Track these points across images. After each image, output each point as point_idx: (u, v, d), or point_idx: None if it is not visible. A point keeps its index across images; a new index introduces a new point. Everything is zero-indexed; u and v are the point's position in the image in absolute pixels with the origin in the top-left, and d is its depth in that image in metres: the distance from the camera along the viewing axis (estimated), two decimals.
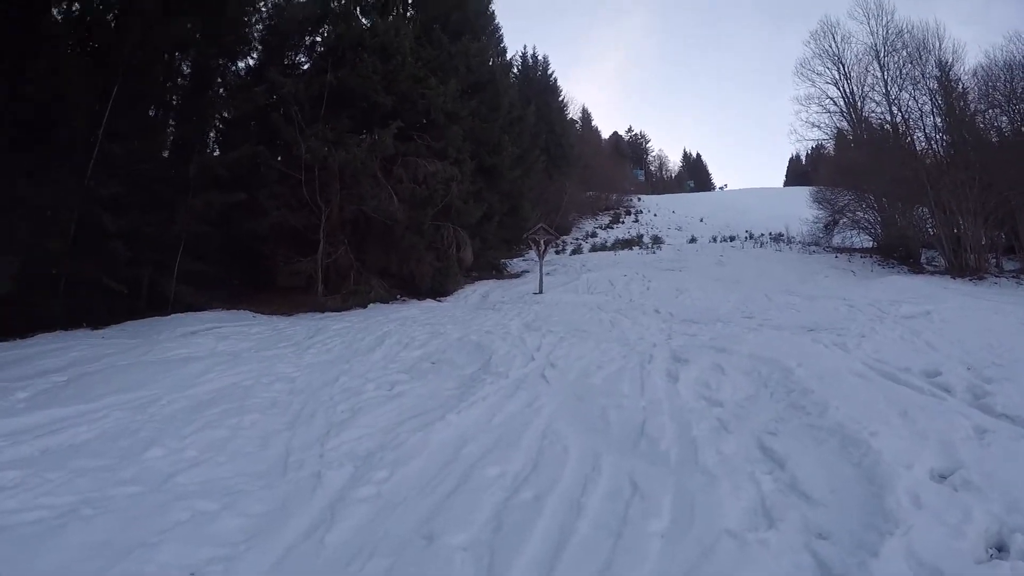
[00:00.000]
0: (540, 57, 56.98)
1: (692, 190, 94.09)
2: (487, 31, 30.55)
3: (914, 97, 25.14)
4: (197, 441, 5.96)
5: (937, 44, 24.96)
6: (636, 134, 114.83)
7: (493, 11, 32.89)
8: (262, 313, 16.21)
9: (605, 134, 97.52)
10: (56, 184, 12.89)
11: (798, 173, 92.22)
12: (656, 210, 57.95)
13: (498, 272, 27.35)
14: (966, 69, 24.73)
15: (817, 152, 55.54)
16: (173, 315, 14.34)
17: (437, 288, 20.86)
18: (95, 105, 13.68)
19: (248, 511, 4.40)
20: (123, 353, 10.22)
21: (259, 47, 19.86)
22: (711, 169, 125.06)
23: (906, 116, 25.54)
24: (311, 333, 12.84)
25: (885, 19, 28.15)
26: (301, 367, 9.59)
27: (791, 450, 5.11)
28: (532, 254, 29.50)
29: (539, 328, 12.56)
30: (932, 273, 22.13)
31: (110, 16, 15.13)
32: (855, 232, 29.77)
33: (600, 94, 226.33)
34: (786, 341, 10.04)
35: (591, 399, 7.15)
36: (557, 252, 35.00)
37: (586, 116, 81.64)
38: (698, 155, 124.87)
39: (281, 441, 6.05)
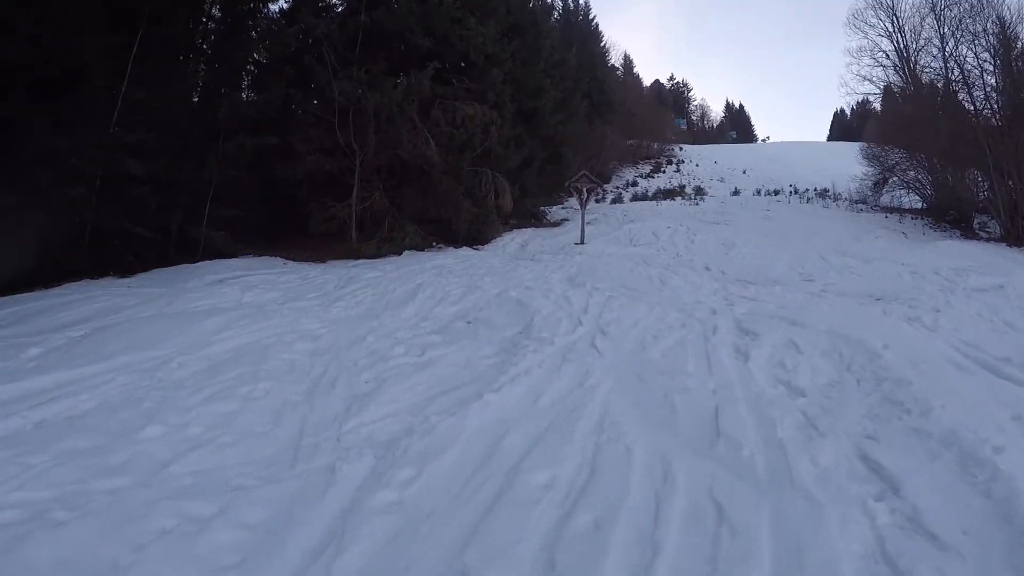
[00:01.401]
0: (581, 1, 55.95)
1: (734, 141, 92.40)
2: None
3: (975, 53, 23.56)
4: (203, 415, 5.31)
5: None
6: (678, 82, 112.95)
7: None
8: (293, 260, 15.77)
9: (647, 82, 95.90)
10: (81, 132, 12.38)
11: (843, 128, 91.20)
12: (698, 160, 56.73)
13: (537, 220, 26.54)
14: None
15: (863, 107, 54.29)
16: (202, 262, 13.92)
17: (474, 236, 20.18)
18: (120, 50, 13.07)
19: (246, 519, 3.67)
20: (145, 304, 9.73)
21: None
22: (753, 121, 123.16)
23: (966, 74, 23.97)
24: (342, 283, 12.28)
25: None
26: (327, 322, 8.94)
27: (901, 466, 4.26)
28: (572, 202, 29.04)
29: (583, 284, 11.77)
30: (987, 240, 21.03)
31: None
32: (904, 192, 28.73)
33: (642, 41, 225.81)
34: (859, 313, 9.19)
35: (651, 379, 6.30)
36: (597, 201, 34.07)
37: (628, 63, 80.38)
38: (741, 106, 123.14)
39: (295, 417, 5.35)
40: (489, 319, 9.13)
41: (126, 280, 12.35)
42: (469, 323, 8.97)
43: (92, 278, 12.25)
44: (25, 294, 10.75)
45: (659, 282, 12.41)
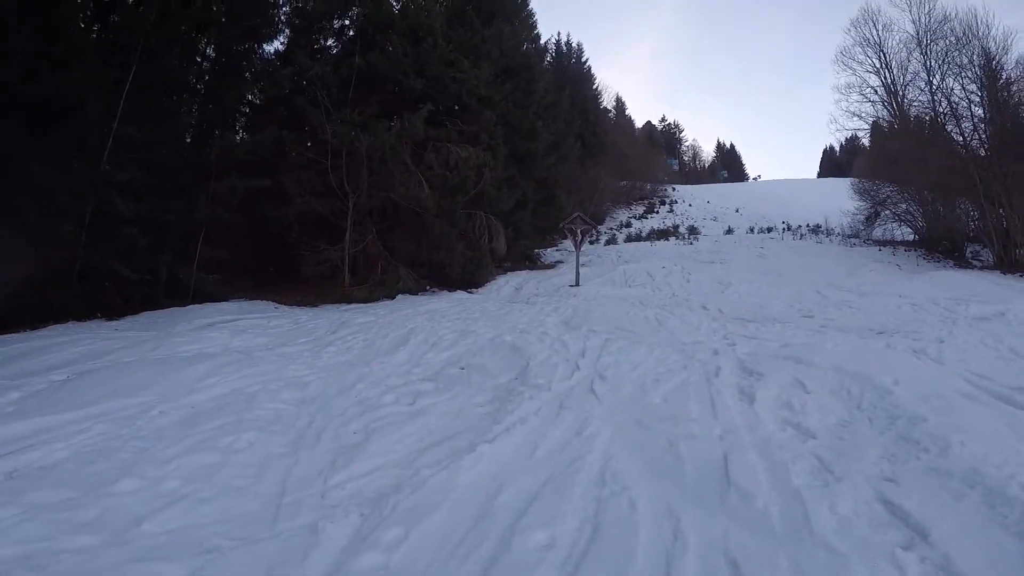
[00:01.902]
0: (574, 44, 57.13)
1: (726, 180, 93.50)
2: (520, 15, 29.49)
3: (962, 85, 23.93)
4: (181, 467, 5.04)
5: (987, 31, 23.73)
6: (669, 123, 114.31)
7: None
8: (285, 304, 15.66)
9: (639, 123, 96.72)
10: (71, 169, 12.38)
11: (833, 164, 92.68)
12: (691, 200, 57.04)
13: (531, 263, 26.42)
14: (1011, 59, 23.55)
15: (852, 143, 54.92)
16: (192, 306, 13.84)
17: (468, 279, 19.98)
18: (112, 88, 13.04)
19: None
20: (131, 348, 9.55)
21: (286, 30, 19.35)
22: (745, 159, 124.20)
23: (953, 106, 24.29)
24: (333, 327, 12.06)
25: (928, 5, 26.81)
26: (316, 369, 8.69)
27: (926, 510, 3.96)
28: (566, 244, 29.05)
29: (579, 327, 11.47)
30: (980, 268, 21.24)
31: None
32: (896, 224, 29.07)
33: (633, 83, 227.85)
34: (863, 348, 8.91)
35: (653, 425, 5.95)
36: (591, 242, 34.08)
37: (620, 105, 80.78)
38: (732, 145, 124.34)
39: (279, 471, 5.07)
40: (483, 365, 8.83)
41: (114, 323, 12.30)
42: (462, 369, 8.69)
43: (79, 319, 12.22)
44: (11, 335, 10.64)
45: (656, 323, 12.15)
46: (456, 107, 20.90)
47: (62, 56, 11.99)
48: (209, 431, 5.91)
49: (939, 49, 25.32)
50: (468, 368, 8.71)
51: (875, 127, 33.84)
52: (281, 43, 19.33)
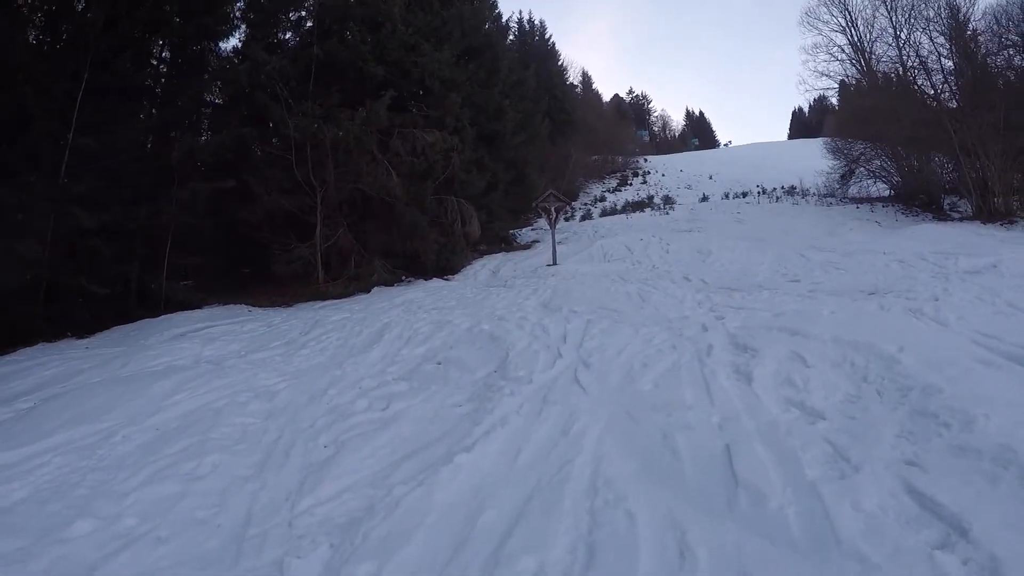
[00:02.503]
0: (537, 22, 56.50)
1: (697, 148, 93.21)
2: None
3: (931, 38, 24.00)
4: (140, 501, 4.71)
5: None
6: (637, 95, 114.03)
7: None
8: (259, 306, 15.28)
9: (606, 97, 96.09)
10: (27, 185, 11.98)
11: (803, 125, 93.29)
12: (664, 170, 56.62)
13: (507, 244, 26.07)
14: (978, 10, 23.56)
15: (821, 103, 54.93)
16: (164, 316, 13.45)
17: (443, 265, 19.66)
18: (65, 98, 12.69)
19: None
20: (100, 367, 9.29)
21: (242, 25, 18.78)
22: (714, 126, 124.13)
23: (923, 59, 24.37)
24: (307, 328, 11.71)
25: None
26: (287, 375, 8.35)
27: (960, 499, 3.58)
28: (541, 223, 28.73)
29: (559, 308, 11.11)
30: (959, 220, 21.20)
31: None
32: (872, 181, 29.30)
33: (598, 57, 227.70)
34: (859, 313, 8.62)
35: (645, 417, 5.58)
36: (567, 219, 33.74)
37: (586, 80, 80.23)
38: (701, 113, 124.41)
39: (243, 498, 4.73)
40: (460, 358, 8.49)
41: (84, 341, 12.02)
42: (439, 364, 8.37)
43: (48, 340, 11.89)
44: None
45: (639, 299, 11.84)
46: (420, 92, 20.54)
47: (10, 73, 11.65)
48: (172, 456, 5.59)
49: (904, 4, 25.25)
50: (445, 363, 8.39)
51: (843, 86, 33.91)
52: (238, 39, 18.82)
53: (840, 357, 6.46)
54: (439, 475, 4.72)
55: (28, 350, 11.16)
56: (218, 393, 7.47)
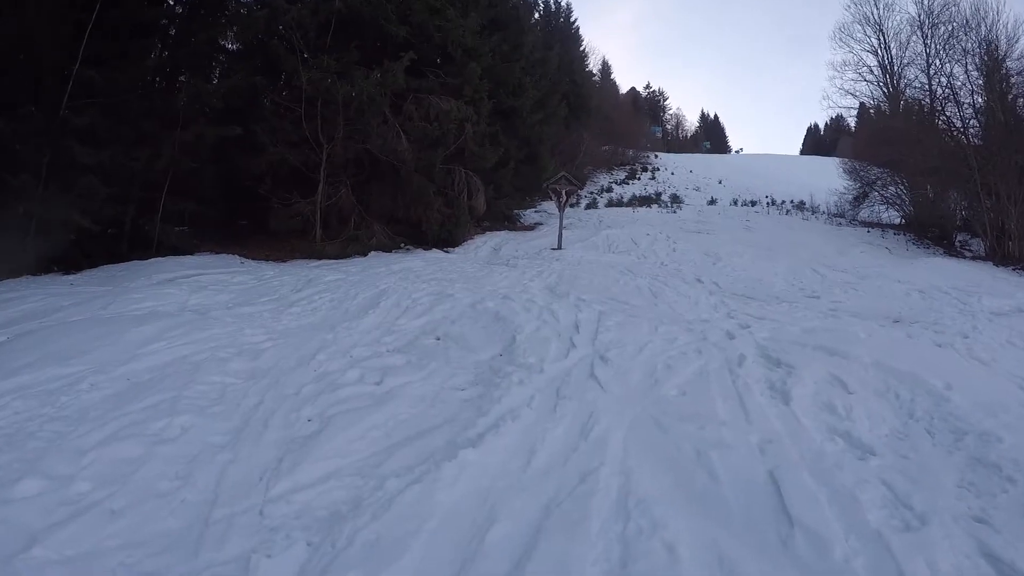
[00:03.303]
0: (562, 3, 55.77)
1: (708, 151, 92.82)
2: None
3: (966, 71, 23.33)
4: (98, 461, 4.21)
5: (995, 18, 23.04)
6: (654, 91, 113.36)
7: None
8: (252, 259, 14.97)
9: (623, 88, 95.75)
10: (26, 116, 11.72)
11: (817, 143, 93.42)
12: (673, 168, 56.40)
13: (511, 223, 25.79)
14: (1017, 50, 22.98)
15: (838, 123, 54.85)
16: (154, 259, 13.27)
17: (445, 237, 19.31)
18: (74, 27, 12.27)
19: None
20: (81, 305, 8.92)
21: None
22: (727, 132, 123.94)
23: (955, 91, 23.69)
24: (299, 285, 11.27)
25: None
26: (275, 334, 7.86)
27: None
28: (545, 206, 28.46)
29: (567, 295, 10.60)
30: (971, 258, 20.67)
31: None
32: (884, 207, 28.77)
33: (619, 47, 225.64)
34: (899, 341, 8.07)
35: (673, 427, 5.05)
36: (572, 205, 33.32)
37: (605, 68, 80.00)
38: (715, 116, 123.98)
39: (212, 470, 4.22)
40: (462, 336, 7.98)
41: (70, 277, 11.87)
42: (438, 340, 7.87)
43: (34, 274, 11.69)
44: None
45: (651, 294, 11.39)
46: (439, 58, 20.09)
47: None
48: (140, 412, 5.07)
49: (942, 32, 25.01)
50: (445, 338, 7.90)
51: (863, 108, 33.95)
52: None
53: (883, 386, 5.92)
54: (441, 472, 4.19)
55: (11, 282, 10.87)
56: (199, 346, 6.97)
